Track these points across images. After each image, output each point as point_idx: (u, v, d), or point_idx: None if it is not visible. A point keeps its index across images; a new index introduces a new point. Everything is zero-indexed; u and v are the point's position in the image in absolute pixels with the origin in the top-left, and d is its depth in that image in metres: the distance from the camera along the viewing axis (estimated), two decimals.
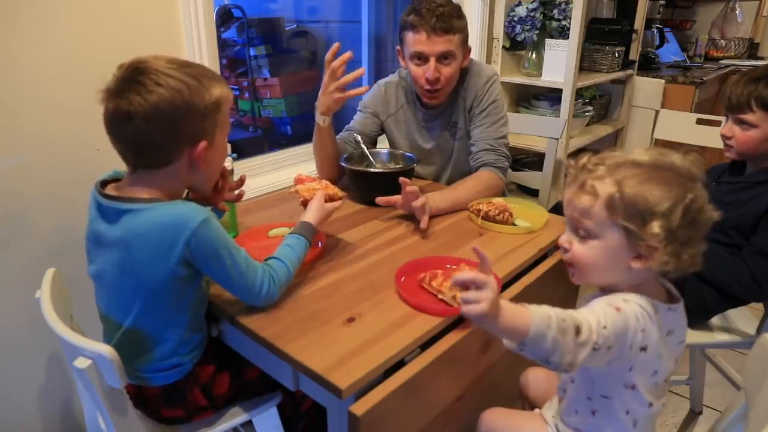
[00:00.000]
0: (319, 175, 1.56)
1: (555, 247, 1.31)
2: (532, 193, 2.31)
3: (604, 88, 2.99)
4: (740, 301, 1.32)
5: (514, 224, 1.35)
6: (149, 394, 1.02)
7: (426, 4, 1.46)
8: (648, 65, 3.18)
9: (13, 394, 1.29)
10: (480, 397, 1.08)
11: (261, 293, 0.96)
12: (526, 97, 2.71)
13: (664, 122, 2.10)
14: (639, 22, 2.90)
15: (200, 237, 0.88)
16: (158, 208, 0.90)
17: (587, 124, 2.73)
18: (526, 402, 1.14)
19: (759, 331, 1.39)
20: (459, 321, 0.99)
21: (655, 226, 0.75)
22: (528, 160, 2.62)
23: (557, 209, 2.04)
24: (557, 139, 2.03)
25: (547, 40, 2.39)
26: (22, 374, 1.30)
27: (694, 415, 1.78)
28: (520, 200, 1.52)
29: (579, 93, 2.73)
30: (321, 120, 1.47)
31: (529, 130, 2.18)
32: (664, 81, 2.90)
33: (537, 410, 1.06)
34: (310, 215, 1.13)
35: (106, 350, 0.80)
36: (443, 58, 1.49)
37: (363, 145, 1.59)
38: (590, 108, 2.70)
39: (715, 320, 1.43)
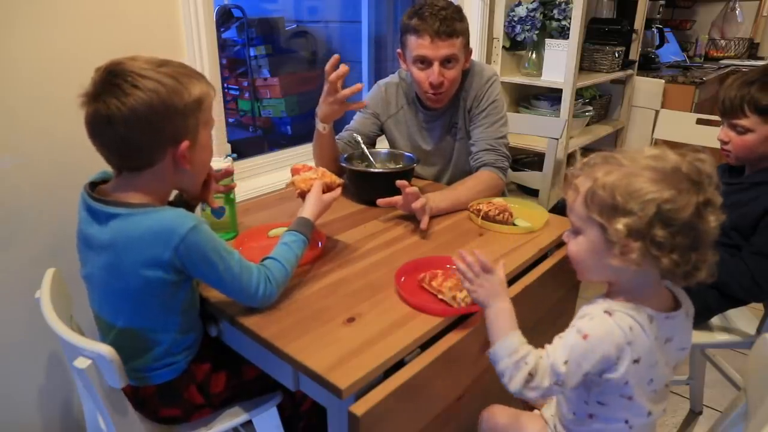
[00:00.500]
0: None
1: (555, 247, 1.31)
2: (532, 193, 2.31)
3: (604, 88, 2.99)
4: (740, 301, 1.32)
5: (514, 224, 1.35)
6: (146, 394, 1.02)
7: (428, 8, 1.45)
8: (648, 65, 3.18)
9: (13, 394, 1.29)
10: (480, 396, 1.08)
11: (257, 294, 0.96)
12: (526, 97, 2.71)
13: (664, 122, 2.10)
14: (639, 22, 2.90)
15: (189, 243, 0.88)
16: (148, 213, 0.90)
17: (587, 124, 2.73)
18: (526, 404, 1.14)
19: (759, 331, 1.39)
20: (459, 321, 0.99)
21: (619, 223, 0.74)
22: (528, 160, 2.62)
23: (557, 209, 2.04)
24: (557, 139, 2.03)
25: (547, 40, 2.39)
26: (22, 374, 1.30)
27: (694, 415, 1.78)
28: (520, 200, 1.52)
29: (579, 93, 2.73)
30: (321, 127, 1.47)
31: (529, 130, 2.18)
32: (664, 81, 2.90)
33: (536, 411, 1.06)
34: (308, 210, 1.12)
35: (106, 350, 0.80)
36: (446, 61, 1.49)
37: (363, 145, 1.59)
38: (590, 108, 2.70)
39: (715, 320, 1.43)
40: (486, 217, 1.36)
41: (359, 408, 0.79)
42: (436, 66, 1.48)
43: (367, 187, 1.50)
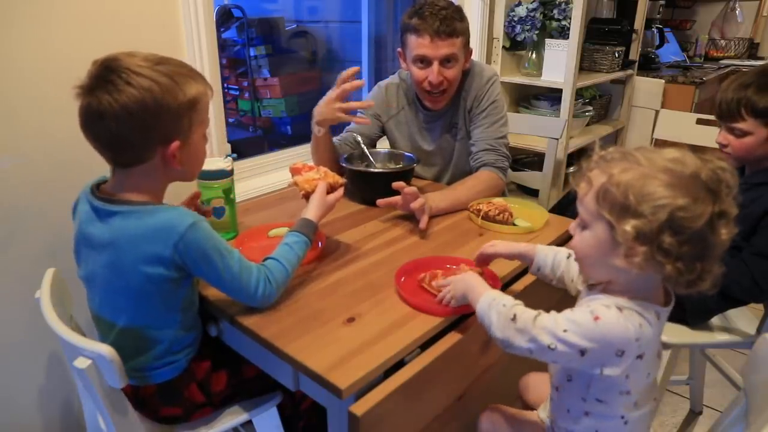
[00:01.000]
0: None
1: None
2: (532, 193, 2.31)
3: (604, 88, 2.99)
4: (740, 301, 1.32)
5: (514, 224, 1.35)
6: (146, 394, 1.02)
7: (428, 8, 1.45)
8: (648, 65, 3.18)
9: (13, 394, 1.29)
10: (480, 397, 1.08)
11: (257, 294, 0.96)
12: (526, 97, 2.71)
13: (664, 122, 2.10)
14: (639, 22, 2.90)
15: (188, 240, 0.88)
16: (148, 211, 0.91)
17: (587, 124, 2.73)
18: (526, 406, 1.14)
19: (759, 331, 1.39)
20: (459, 321, 0.99)
21: (628, 224, 0.72)
22: (528, 160, 2.62)
23: (557, 209, 2.04)
24: (557, 139, 2.03)
25: (547, 40, 2.39)
26: (22, 374, 1.30)
27: (694, 415, 1.78)
28: (520, 200, 1.52)
29: (579, 93, 2.73)
30: (316, 130, 1.47)
31: (529, 130, 2.18)
32: (664, 81, 2.90)
33: (537, 411, 1.06)
34: (312, 211, 1.11)
35: (106, 350, 0.81)
36: (446, 61, 1.49)
37: (363, 145, 1.59)
38: (590, 108, 2.70)
39: (715, 320, 1.43)
40: (486, 217, 1.36)
41: (359, 408, 0.79)
42: (435, 65, 1.48)
43: (367, 187, 1.50)
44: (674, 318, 1.37)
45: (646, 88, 2.94)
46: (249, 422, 1.13)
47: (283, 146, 1.96)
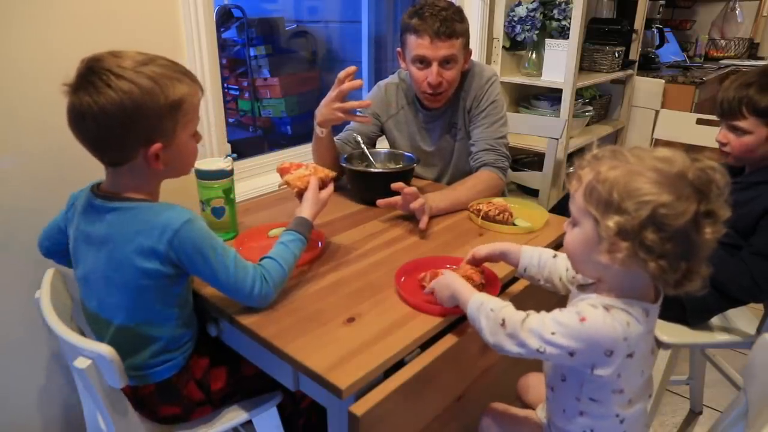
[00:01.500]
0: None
1: (555, 247, 1.31)
2: (532, 193, 2.31)
3: (604, 88, 2.99)
4: (740, 301, 1.32)
5: (514, 224, 1.35)
6: (145, 394, 1.02)
7: (429, 8, 1.45)
8: (648, 65, 3.18)
9: (13, 394, 1.29)
10: (480, 397, 1.08)
11: (253, 293, 0.96)
12: (526, 97, 2.71)
13: (664, 122, 2.10)
14: (639, 22, 2.90)
15: (183, 237, 0.89)
16: (144, 208, 0.92)
17: (587, 124, 2.73)
18: (525, 406, 1.14)
19: (759, 331, 1.39)
20: (459, 321, 0.99)
21: (611, 220, 0.73)
22: (528, 160, 2.62)
23: (557, 209, 2.04)
24: (557, 139, 2.03)
25: (547, 40, 2.39)
26: (22, 374, 1.30)
27: (694, 415, 1.78)
28: (520, 200, 1.52)
29: (579, 93, 2.73)
30: (318, 131, 1.48)
31: (529, 130, 2.18)
32: (664, 81, 2.90)
33: (534, 411, 1.06)
34: (306, 209, 1.11)
35: (106, 350, 0.81)
36: (446, 62, 1.49)
37: (363, 145, 1.59)
38: (590, 108, 2.70)
39: (715, 320, 1.43)
40: (486, 217, 1.36)
41: (359, 408, 0.79)
42: (434, 66, 1.48)
43: (367, 188, 1.50)
44: (674, 318, 1.38)
45: (646, 88, 2.95)
46: (249, 422, 1.13)
47: (283, 146, 1.96)
